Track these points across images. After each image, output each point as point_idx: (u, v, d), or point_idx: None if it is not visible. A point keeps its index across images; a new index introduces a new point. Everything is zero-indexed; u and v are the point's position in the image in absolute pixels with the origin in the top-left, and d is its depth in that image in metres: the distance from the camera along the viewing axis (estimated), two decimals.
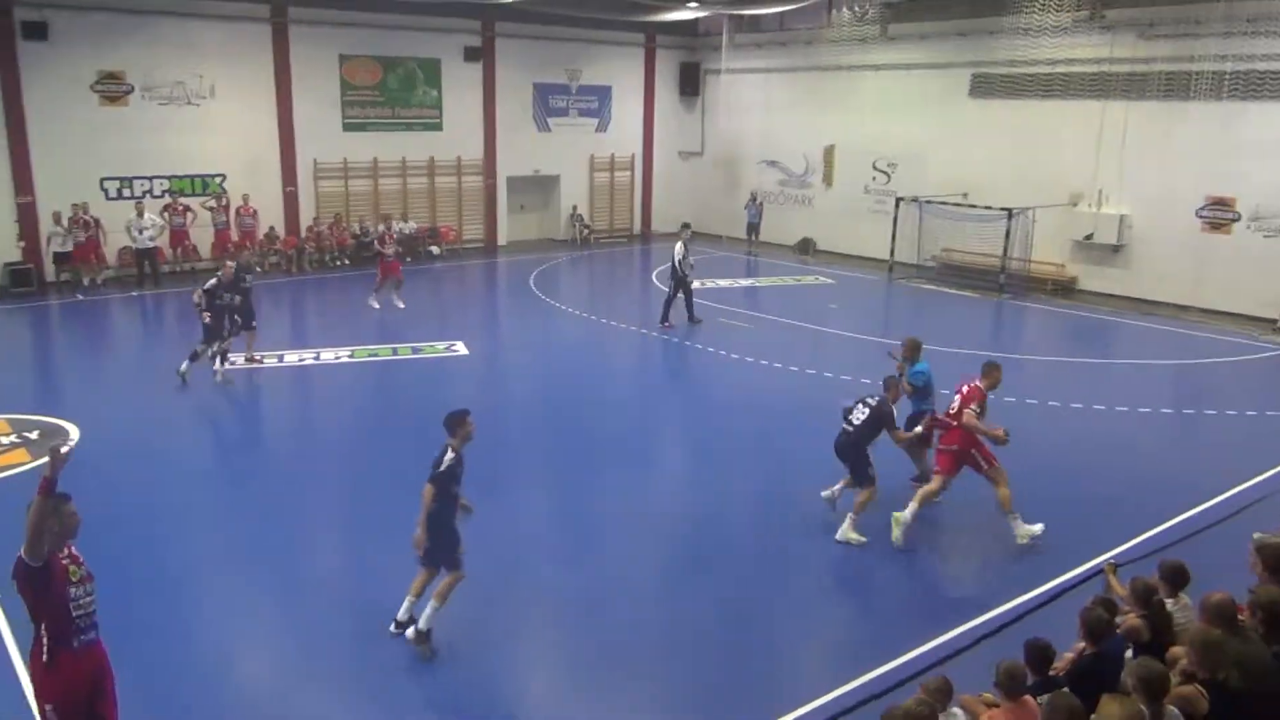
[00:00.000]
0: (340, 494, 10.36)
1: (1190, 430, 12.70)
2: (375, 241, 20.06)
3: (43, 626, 4.97)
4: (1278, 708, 4.76)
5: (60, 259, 19.97)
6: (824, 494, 9.58)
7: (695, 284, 18.31)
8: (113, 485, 10.20)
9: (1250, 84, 18.41)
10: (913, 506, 8.93)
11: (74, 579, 5.07)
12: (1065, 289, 21.42)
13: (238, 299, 13.91)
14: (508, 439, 12.24)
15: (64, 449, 4.92)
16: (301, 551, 8.94)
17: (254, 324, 14.62)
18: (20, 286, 19.40)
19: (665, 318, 17.66)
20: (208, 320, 13.62)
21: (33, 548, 4.83)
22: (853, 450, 8.99)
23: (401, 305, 18.70)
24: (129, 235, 20.35)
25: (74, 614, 5.03)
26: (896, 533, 8.87)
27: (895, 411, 9.05)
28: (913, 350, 10.15)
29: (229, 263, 14.71)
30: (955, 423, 8.97)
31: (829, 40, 24.54)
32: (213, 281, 13.78)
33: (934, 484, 9.12)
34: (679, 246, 17.63)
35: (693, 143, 30.39)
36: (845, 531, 8.97)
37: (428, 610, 6.99)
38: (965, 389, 9.03)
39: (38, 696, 5.08)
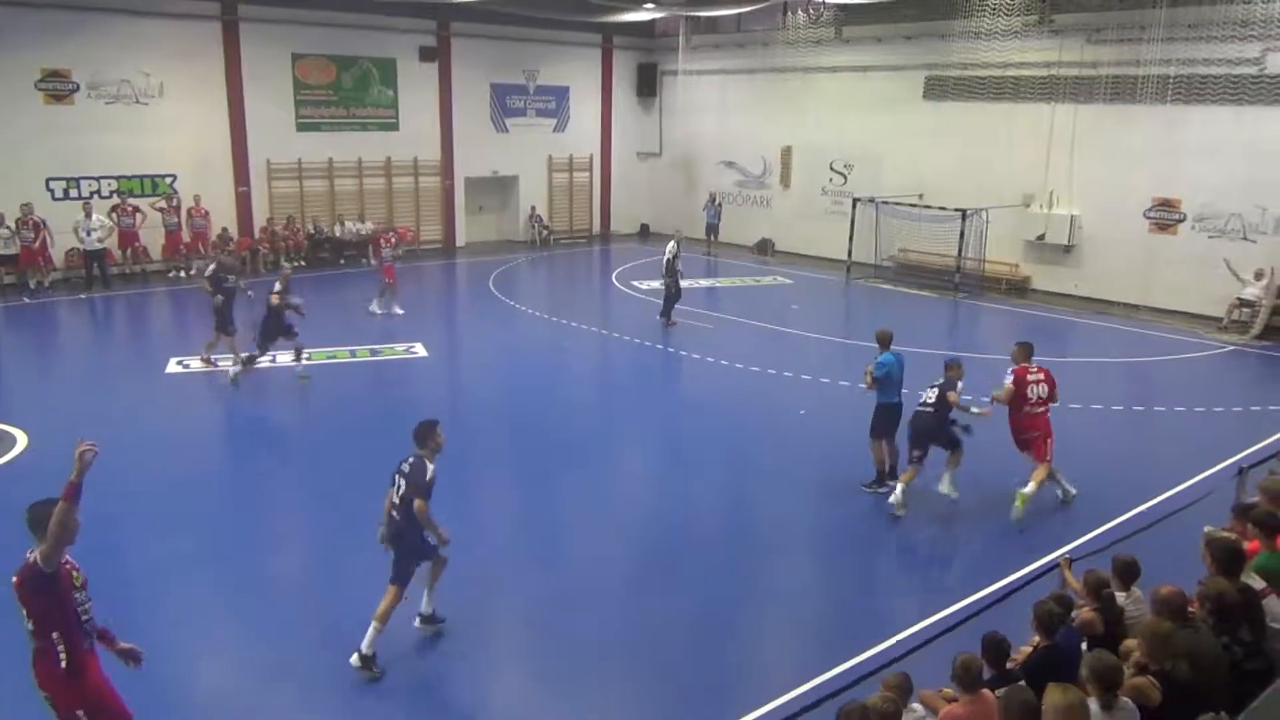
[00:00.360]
0: (298, 497, 10.22)
1: (1142, 427, 12.98)
2: (370, 246, 19.71)
3: (55, 635, 4.89)
4: (1226, 696, 4.88)
5: (4, 261, 19.48)
6: (893, 503, 9.81)
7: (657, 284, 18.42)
8: (60, 493, 9.97)
9: (1193, 88, 18.87)
10: (1032, 487, 9.62)
11: (76, 584, 5.00)
12: (1019, 289, 21.79)
13: (237, 284, 14.32)
14: (468, 441, 12.16)
15: (89, 452, 4.86)
16: (258, 556, 8.80)
17: (231, 329, 14.30)
18: None
19: (666, 314, 17.75)
20: (219, 302, 14.00)
21: (53, 555, 4.76)
22: (937, 424, 9.74)
23: (400, 312, 18.27)
24: (76, 237, 19.90)
25: (81, 618, 5.00)
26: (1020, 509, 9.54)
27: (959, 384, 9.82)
28: (880, 341, 10.28)
29: (285, 267, 15.26)
30: (1041, 409, 9.80)
31: (785, 42, 24.73)
32: (211, 266, 14.29)
33: (1043, 471, 9.76)
34: (671, 245, 17.73)
35: (651, 143, 30.44)
36: (946, 485, 9.89)
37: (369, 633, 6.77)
38: (1030, 375, 9.85)
39: (63, 706, 4.96)
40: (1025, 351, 10.06)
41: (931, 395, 9.81)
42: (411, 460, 7.01)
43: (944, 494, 9.89)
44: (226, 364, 14.29)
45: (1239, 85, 18.36)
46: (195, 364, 14.47)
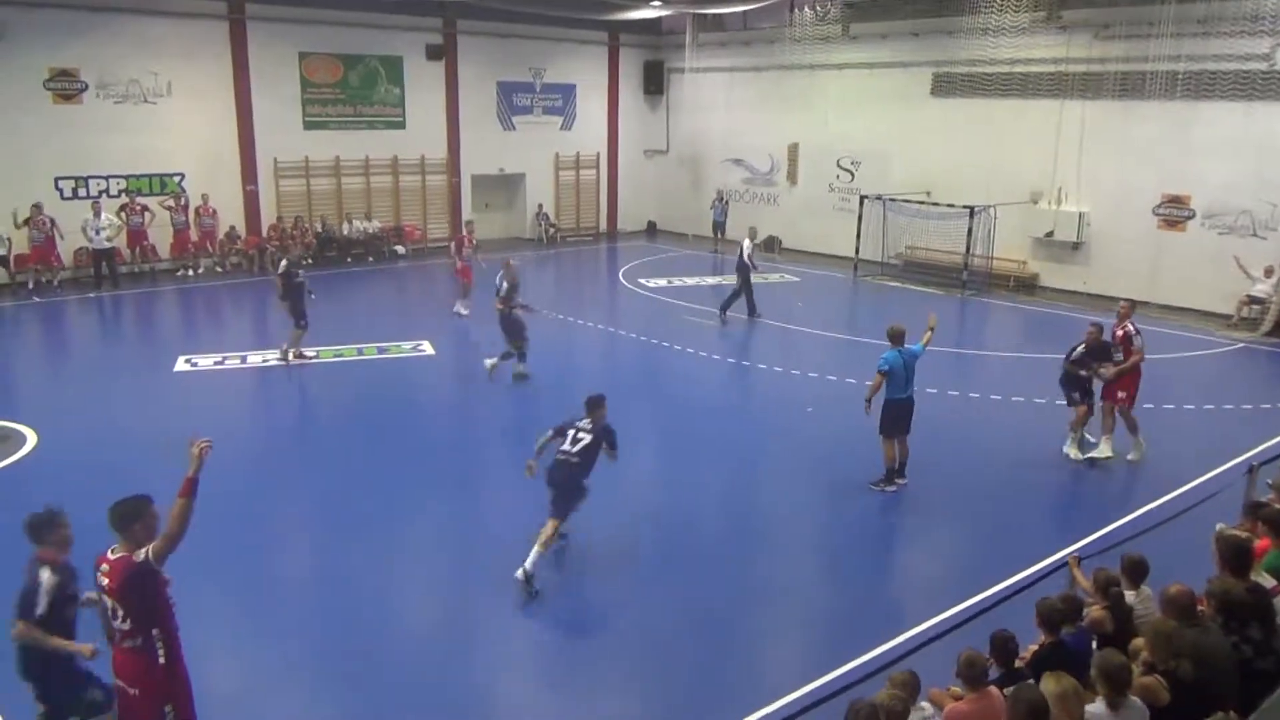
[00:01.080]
0: (306, 495, 10.25)
1: (1152, 424, 12.90)
2: (452, 246, 19.52)
3: (155, 632, 4.96)
4: (1236, 695, 4.86)
5: (11, 261, 19.52)
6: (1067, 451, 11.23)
7: (685, 282, 18.43)
8: (72, 491, 10.01)
9: (1202, 84, 18.78)
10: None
11: (166, 579, 5.04)
12: (1027, 286, 21.72)
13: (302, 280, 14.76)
14: (476, 439, 12.20)
15: (206, 449, 4.93)
16: (267, 554, 8.82)
17: (303, 322, 14.76)
18: None
19: (731, 304, 18.08)
20: (292, 298, 14.62)
21: (167, 552, 4.84)
22: (1074, 381, 11.15)
23: (465, 314, 18.02)
24: (85, 236, 19.97)
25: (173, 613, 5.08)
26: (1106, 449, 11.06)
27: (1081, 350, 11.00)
28: (891, 337, 10.24)
29: (511, 261, 14.97)
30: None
31: (792, 39, 24.67)
32: (284, 263, 14.95)
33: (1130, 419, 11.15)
34: (746, 243, 18.15)
35: (657, 141, 30.42)
36: (1070, 447, 11.20)
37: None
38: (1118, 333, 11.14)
39: (152, 700, 5.01)
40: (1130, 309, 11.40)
41: (1079, 350, 11.12)
42: (589, 421, 8.56)
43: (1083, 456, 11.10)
44: (300, 355, 14.99)
45: (1249, 81, 18.26)
46: (277, 359, 14.90)
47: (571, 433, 8.55)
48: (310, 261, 22.94)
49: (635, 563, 8.82)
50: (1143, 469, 11.08)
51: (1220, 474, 10.56)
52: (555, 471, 8.41)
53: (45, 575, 5.19)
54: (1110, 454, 11.05)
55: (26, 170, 19.76)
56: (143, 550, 4.85)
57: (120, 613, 4.92)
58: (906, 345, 10.21)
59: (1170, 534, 7.91)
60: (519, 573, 7.89)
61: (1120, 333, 11.13)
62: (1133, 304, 11.50)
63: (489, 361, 14.17)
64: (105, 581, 4.92)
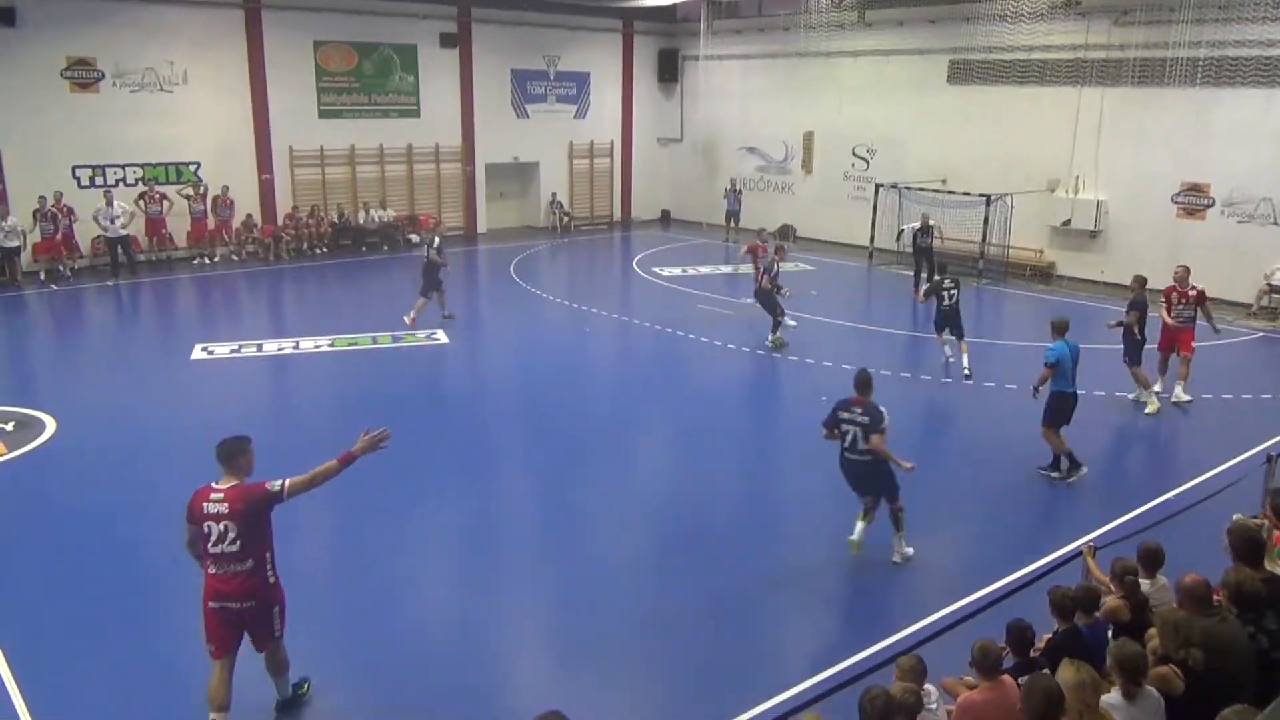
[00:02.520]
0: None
1: (1169, 414, 12.83)
2: (750, 253, 17.17)
3: (267, 555, 5.65)
4: (1252, 685, 4.83)
5: (12, 253, 19.50)
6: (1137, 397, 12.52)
7: (699, 271, 18.36)
8: (91, 477, 10.12)
9: (1223, 70, 18.57)
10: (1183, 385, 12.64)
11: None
12: (1043, 274, 21.57)
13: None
14: (489, 426, 12.23)
15: (384, 442, 5.73)
16: (281, 544, 8.87)
17: (431, 294, 16.45)
18: None
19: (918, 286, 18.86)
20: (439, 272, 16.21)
21: (300, 491, 5.60)
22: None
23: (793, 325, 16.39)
24: (98, 224, 20.09)
25: None
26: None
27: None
28: (1055, 329, 10.15)
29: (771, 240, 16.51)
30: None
31: (807, 26, 24.50)
32: (438, 241, 16.38)
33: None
34: (918, 222, 19.54)
35: (672, 129, 30.33)
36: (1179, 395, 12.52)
37: None
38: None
39: (272, 604, 5.77)
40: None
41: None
42: (862, 409, 8.14)
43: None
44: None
45: (1271, 67, 18.04)
46: (409, 319, 16.16)
47: (848, 432, 8.14)
48: (325, 250, 23.13)
49: (649, 549, 8.84)
50: (1160, 458, 11.02)
51: (1239, 463, 10.48)
52: (850, 471, 8.32)
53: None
54: (1188, 398, 12.73)
55: (44, 159, 19.90)
56: (277, 482, 5.58)
57: (232, 535, 5.49)
58: (1069, 338, 10.09)
59: (1188, 523, 7.87)
60: (897, 557, 8.35)
61: (1194, 291, 12.77)
62: (1187, 269, 13.04)
63: (772, 337, 15.31)
64: (221, 508, 5.49)
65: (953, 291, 14.08)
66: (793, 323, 15.80)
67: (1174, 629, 4.99)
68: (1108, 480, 10.24)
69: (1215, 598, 5.37)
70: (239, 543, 5.51)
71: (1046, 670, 4.92)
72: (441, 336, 15.99)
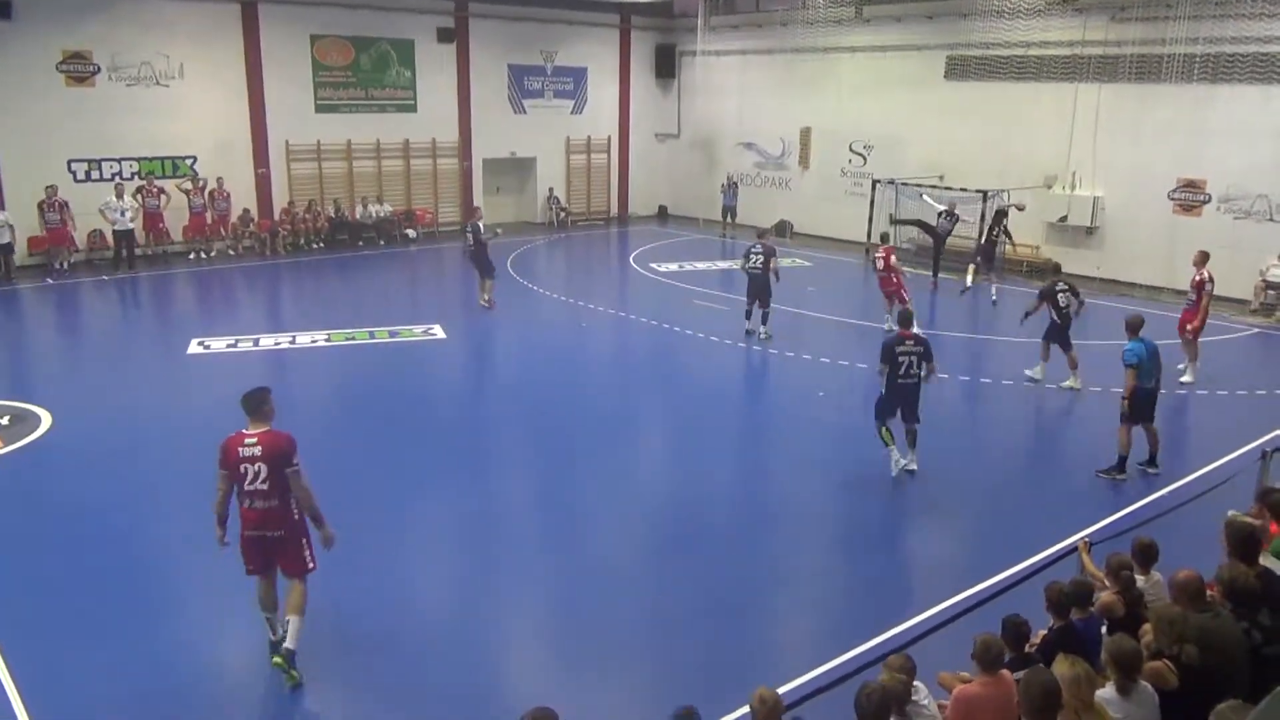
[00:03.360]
0: (316, 478, 10.27)
1: (1166, 410, 12.84)
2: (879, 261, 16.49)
3: (290, 498, 6.40)
4: (1246, 681, 4.85)
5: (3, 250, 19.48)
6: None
7: (696, 266, 18.34)
8: (86, 471, 10.10)
9: (1219, 67, 18.58)
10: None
11: None
12: (1040, 270, 21.56)
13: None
14: (486, 422, 12.23)
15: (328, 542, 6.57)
16: None
17: (494, 273, 17.54)
18: None
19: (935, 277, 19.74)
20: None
21: (301, 487, 6.42)
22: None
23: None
24: (105, 217, 20.05)
25: None
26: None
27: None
28: (1130, 328, 10.14)
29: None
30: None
31: (804, 22, 24.50)
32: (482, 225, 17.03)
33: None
34: (945, 205, 19.79)
35: (669, 125, 30.31)
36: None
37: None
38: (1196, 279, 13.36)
39: (299, 535, 6.54)
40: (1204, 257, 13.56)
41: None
42: (914, 340, 9.87)
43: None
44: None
45: (1267, 64, 18.06)
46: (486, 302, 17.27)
47: (904, 361, 9.74)
48: (322, 245, 23.12)
49: (647, 545, 8.85)
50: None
51: (1233, 460, 10.51)
52: (902, 395, 9.89)
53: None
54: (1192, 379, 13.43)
55: (40, 153, 19.85)
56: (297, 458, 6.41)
57: (263, 475, 6.27)
58: (1142, 336, 10.07)
59: (1182, 520, 7.89)
60: (913, 465, 10.07)
61: (1197, 278, 13.50)
62: (1205, 254, 13.78)
63: (763, 329, 15.57)
64: (255, 451, 6.28)
65: (1070, 300, 13.02)
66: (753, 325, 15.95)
67: (1169, 625, 5.01)
68: (1104, 477, 10.24)
69: (1209, 593, 5.39)
70: (268, 482, 6.29)
71: (1042, 664, 4.95)
72: (439, 332, 15.98)
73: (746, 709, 6.09)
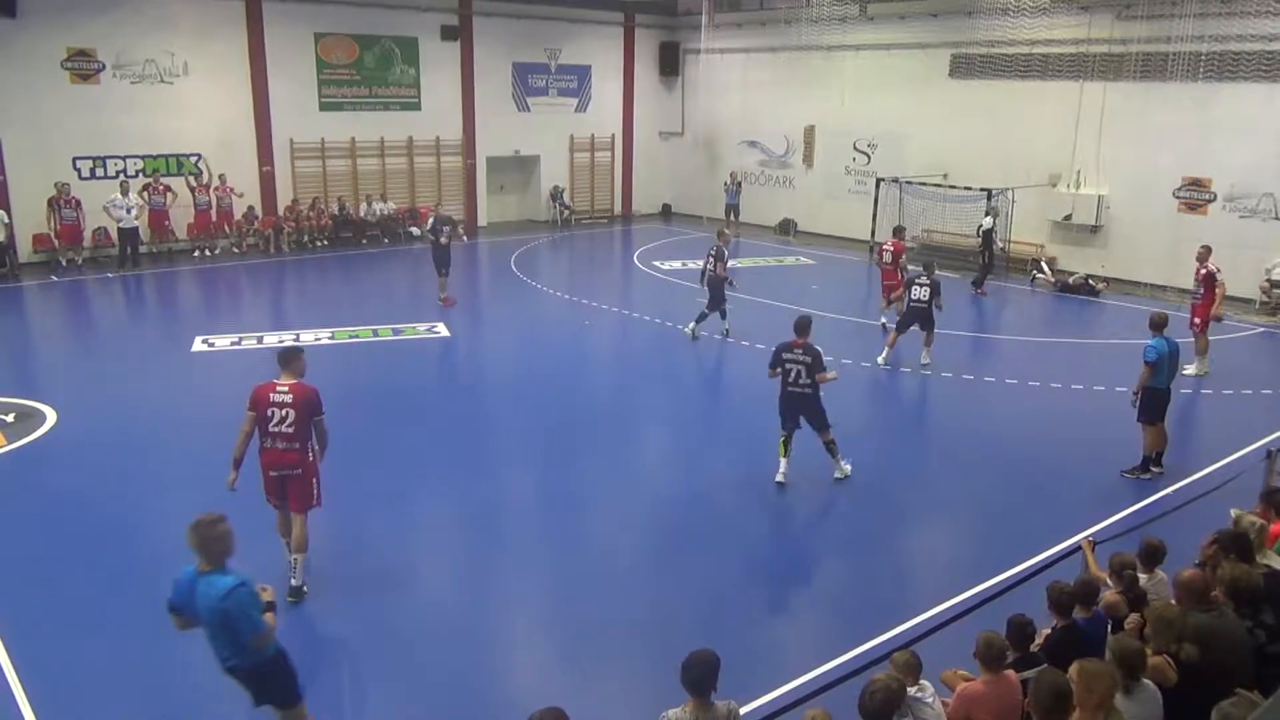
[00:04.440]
0: (322, 473, 10.29)
1: (1170, 408, 12.84)
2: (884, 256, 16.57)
3: (310, 443, 7.37)
4: (1249, 680, 4.84)
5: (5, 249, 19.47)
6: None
7: (699, 265, 18.20)
8: (90, 468, 10.12)
9: (1225, 65, 18.53)
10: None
11: None
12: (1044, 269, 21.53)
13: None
14: (489, 420, 12.23)
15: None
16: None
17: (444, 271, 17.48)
18: None
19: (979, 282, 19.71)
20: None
21: (323, 432, 7.47)
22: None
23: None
24: (109, 215, 20.06)
25: None
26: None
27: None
28: (1154, 325, 10.10)
29: (725, 231, 16.68)
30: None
31: (809, 20, 24.45)
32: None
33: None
34: (989, 219, 19.85)
35: (673, 123, 30.29)
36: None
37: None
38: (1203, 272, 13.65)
39: (311, 475, 7.47)
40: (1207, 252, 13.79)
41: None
42: (801, 351, 9.42)
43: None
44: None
45: (1273, 62, 18.00)
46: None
47: (791, 369, 9.42)
48: (326, 243, 23.15)
49: (649, 541, 8.85)
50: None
51: (1238, 459, 10.49)
52: (790, 404, 9.54)
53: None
54: (1203, 371, 13.65)
55: (45, 150, 19.88)
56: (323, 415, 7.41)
57: (290, 419, 7.19)
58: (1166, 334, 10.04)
59: (1189, 518, 7.87)
60: (839, 474, 9.81)
61: (1204, 272, 13.59)
62: (1208, 248, 13.97)
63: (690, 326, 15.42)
64: (285, 398, 7.20)
65: (924, 294, 14.02)
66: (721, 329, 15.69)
67: (1166, 625, 5.00)
68: (1108, 475, 10.23)
69: (1214, 592, 5.38)
70: (294, 426, 7.21)
71: (1047, 665, 4.94)
72: (442, 329, 15.99)
73: (755, 704, 6.15)
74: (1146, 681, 4.73)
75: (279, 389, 7.24)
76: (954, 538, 9.29)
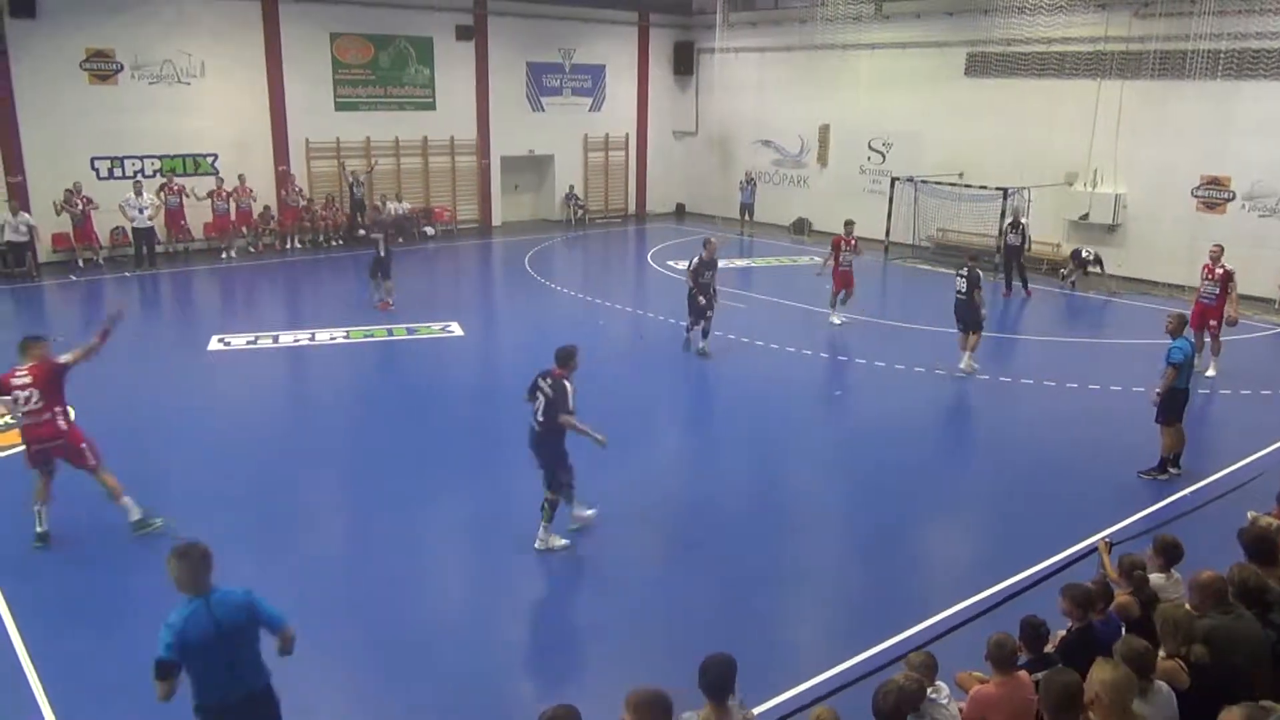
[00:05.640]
0: (336, 475, 10.35)
1: (1188, 410, 12.75)
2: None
3: (57, 408, 8.22)
4: (1260, 681, 4.80)
5: (16, 248, 19.43)
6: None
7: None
8: (108, 466, 10.18)
9: (1244, 63, 18.37)
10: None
11: None
12: (1061, 269, 21.39)
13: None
14: (502, 420, 12.23)
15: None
16: (298, 532, 8.93)
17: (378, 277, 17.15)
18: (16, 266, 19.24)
19: (1009, 286, 19.47)
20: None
21: (75, 365, 8.39)
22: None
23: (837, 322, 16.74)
24: (124, 214, 20.20)
25: None
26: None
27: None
28: (1175, 328, 10.07)
29: (711, 240, 15.31)
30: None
31: (824, 19, 24.37)
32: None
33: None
34: (1024, 222, 19.61)
35: (687, 122, 30.26)
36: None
37: None
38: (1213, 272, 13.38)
39: (76, 442, 8.38)
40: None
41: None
42: (551, 382, 8.09)
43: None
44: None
45: None
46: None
47: (539, 400, 8.11)
48: (342, 242, 23.23)
49: (661, 544, 8.85)
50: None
51: (1256, 460, 10.41)
52: (530, 438, 8.30)
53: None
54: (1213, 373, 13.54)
55: (64, 150, 20.06)
56: (66, 356, 8.34)
57: (38, 398, 8.09)
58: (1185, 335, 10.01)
59: (1204, 520, 7.81)
60: (572, 527, 8.63)
61: (1221, 271, 13.42)
62: (1221, 247, 13.84)
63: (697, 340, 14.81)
64: (26, 379, 8.09)
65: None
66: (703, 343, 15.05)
67: (1174, 627, 4.96)
68: (1125, 476, 10.17)
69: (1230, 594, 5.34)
70: (45, 400, 8.16)
71: (1061, 666, 4.90)
72: (456, 329, 16.04)
73: (767, 705, 6.14)
74: (1161, 683, 4.70)
75: (19, 374, 8.08)
76: (969, 538, 9.25)
